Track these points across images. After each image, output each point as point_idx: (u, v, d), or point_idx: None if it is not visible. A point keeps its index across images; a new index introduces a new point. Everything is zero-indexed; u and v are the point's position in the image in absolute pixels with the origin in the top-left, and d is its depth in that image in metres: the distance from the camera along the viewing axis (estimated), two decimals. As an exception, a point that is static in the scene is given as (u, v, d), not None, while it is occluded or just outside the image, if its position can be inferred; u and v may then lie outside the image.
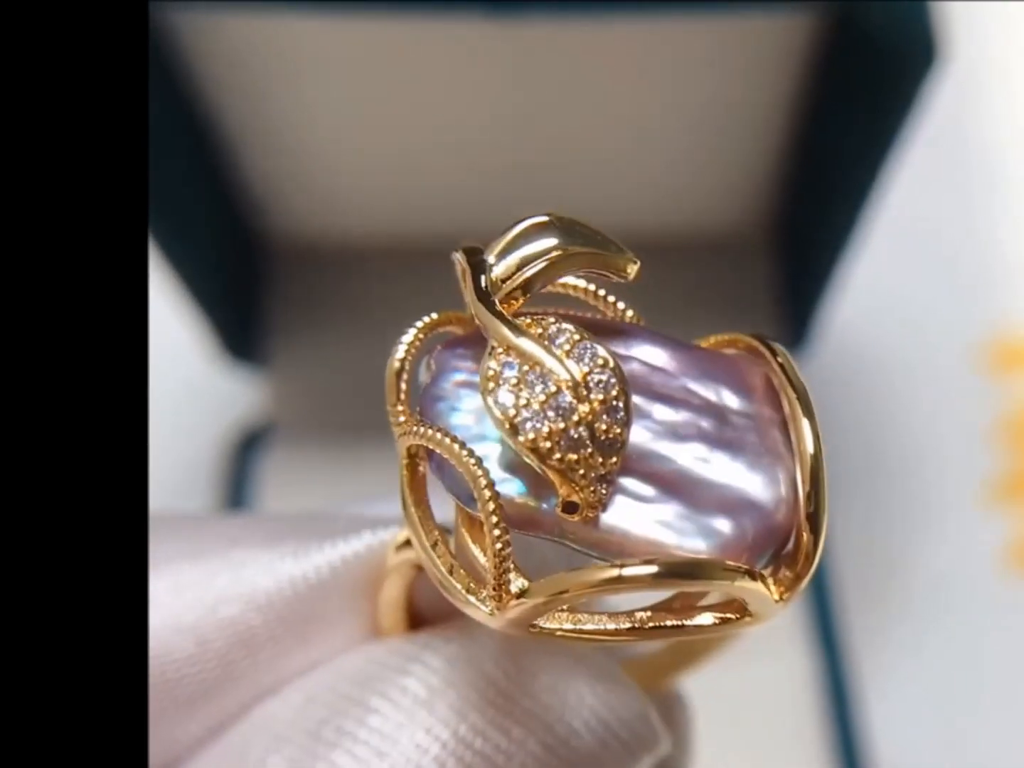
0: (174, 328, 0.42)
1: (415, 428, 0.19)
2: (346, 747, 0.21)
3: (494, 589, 0.18)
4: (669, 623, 0.19)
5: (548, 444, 0.18)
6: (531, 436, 0.18)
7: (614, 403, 0.18)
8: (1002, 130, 0.48)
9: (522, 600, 0.18)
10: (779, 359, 0.20)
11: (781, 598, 0.19)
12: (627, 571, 0.18)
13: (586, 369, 0.19)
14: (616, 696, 0.22)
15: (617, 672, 0.23)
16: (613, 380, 0.18)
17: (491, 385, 0.18)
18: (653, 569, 0.18)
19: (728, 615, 0.19)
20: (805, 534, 0.19)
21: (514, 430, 0.18)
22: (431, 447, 0.19)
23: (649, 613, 0.19)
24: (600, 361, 0.19)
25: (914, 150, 0.34)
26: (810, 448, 0.19)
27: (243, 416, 0.43)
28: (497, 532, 0.18)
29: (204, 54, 0.34)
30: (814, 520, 0.19)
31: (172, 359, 0.44)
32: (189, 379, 0.44)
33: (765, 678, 0.36)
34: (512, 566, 0.18)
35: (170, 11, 0.32)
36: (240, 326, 0.42)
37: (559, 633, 0.19)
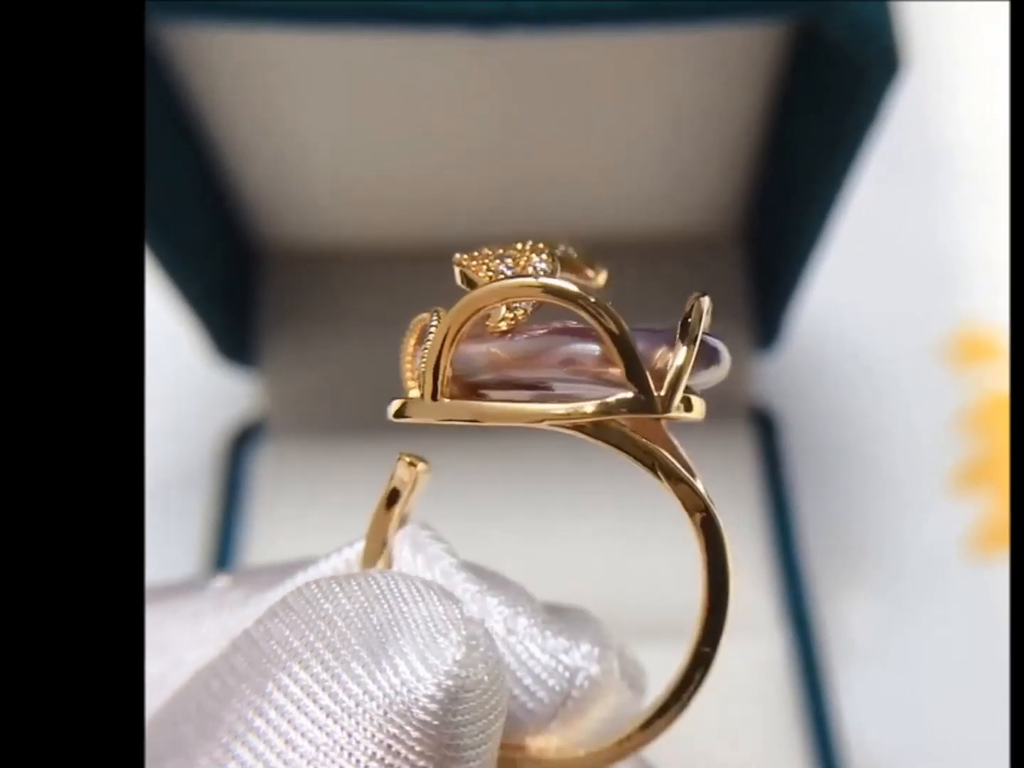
0: (169, 329, 0.43)
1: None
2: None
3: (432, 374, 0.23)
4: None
5: (476, 262, 0.23)
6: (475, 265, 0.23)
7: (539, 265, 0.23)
8: (962, 132, 0.49)
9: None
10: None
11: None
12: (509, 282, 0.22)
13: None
14: (565, 632, 0.24)
15: (579, 610, 0.24)
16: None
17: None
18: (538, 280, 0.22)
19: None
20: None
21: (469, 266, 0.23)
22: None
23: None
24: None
25: (878, 152, 0.35)
26: (679, 361, 0.22)
27: (236, 415, 0.44)
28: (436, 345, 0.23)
29: (199, 67, 0.35)
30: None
31: (166, 359, 0.44)
32: (183, 379, 0.45)
33: (735, 661, 0.37)
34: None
35: (166, 25, 0.32)
36: (233, 327, 0.42)
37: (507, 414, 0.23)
